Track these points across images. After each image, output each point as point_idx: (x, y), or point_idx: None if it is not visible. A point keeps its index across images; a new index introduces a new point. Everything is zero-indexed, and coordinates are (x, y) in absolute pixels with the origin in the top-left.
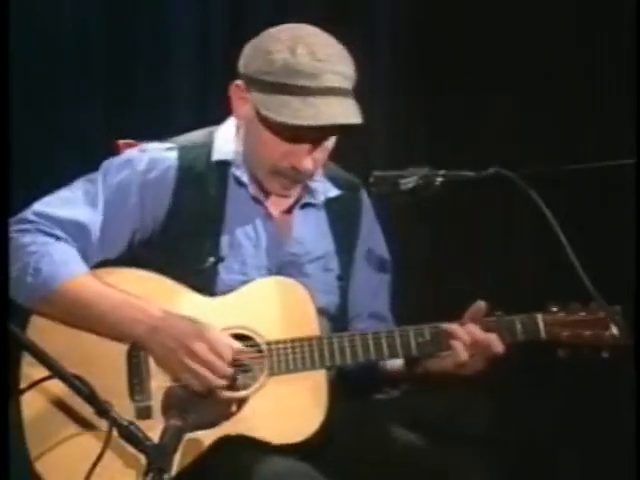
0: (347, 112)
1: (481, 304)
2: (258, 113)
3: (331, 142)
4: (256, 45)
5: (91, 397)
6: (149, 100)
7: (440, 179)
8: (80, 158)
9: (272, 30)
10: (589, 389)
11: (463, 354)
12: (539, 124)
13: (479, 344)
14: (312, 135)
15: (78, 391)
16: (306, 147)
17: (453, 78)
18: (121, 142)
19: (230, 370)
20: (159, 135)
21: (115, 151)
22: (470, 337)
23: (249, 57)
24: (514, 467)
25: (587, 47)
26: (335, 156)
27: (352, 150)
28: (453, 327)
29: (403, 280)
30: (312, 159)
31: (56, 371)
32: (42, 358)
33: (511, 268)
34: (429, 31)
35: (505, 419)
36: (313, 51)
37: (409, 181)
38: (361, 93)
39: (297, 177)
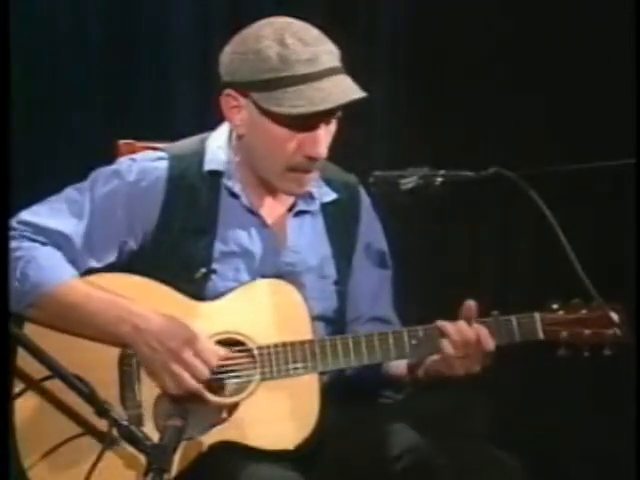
0: (352, 87)
1: (470, 303)
2: (264, 112)
3: (334, 125)
4: (239, 50)
5: (91, 397)
6: (149, 100)
7: (440, 179)
8: (80, 158)
9: (246, 34)
10: (590, 388)
11: (449, 348)
12: (539, 124)
13: (469, 341)
14: (323, 118)
15: (78, 391)
16: (316, 132)
17: (453, 78)
18: (121, 142)
19: (207, 373)
20: (159, 136)
21: (115, 151)
22: (460, 335)
23: (235, 64)
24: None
25: (587, 47)
26: (335, 156)
27: (352, 150)
28: (443, 323)
29: (402, 280)
30: (325, 143)
31: (56, 371)
32: (42, 358)
33: (511, 268)
34: (429, 31)
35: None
36: (301, 37)
37: (409, 181)
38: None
39: (311, 167)
